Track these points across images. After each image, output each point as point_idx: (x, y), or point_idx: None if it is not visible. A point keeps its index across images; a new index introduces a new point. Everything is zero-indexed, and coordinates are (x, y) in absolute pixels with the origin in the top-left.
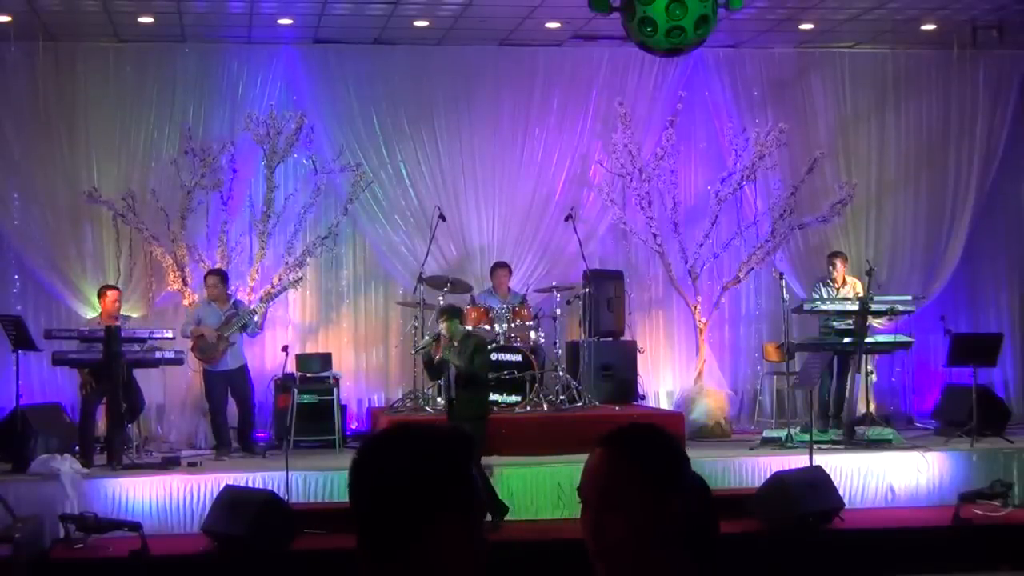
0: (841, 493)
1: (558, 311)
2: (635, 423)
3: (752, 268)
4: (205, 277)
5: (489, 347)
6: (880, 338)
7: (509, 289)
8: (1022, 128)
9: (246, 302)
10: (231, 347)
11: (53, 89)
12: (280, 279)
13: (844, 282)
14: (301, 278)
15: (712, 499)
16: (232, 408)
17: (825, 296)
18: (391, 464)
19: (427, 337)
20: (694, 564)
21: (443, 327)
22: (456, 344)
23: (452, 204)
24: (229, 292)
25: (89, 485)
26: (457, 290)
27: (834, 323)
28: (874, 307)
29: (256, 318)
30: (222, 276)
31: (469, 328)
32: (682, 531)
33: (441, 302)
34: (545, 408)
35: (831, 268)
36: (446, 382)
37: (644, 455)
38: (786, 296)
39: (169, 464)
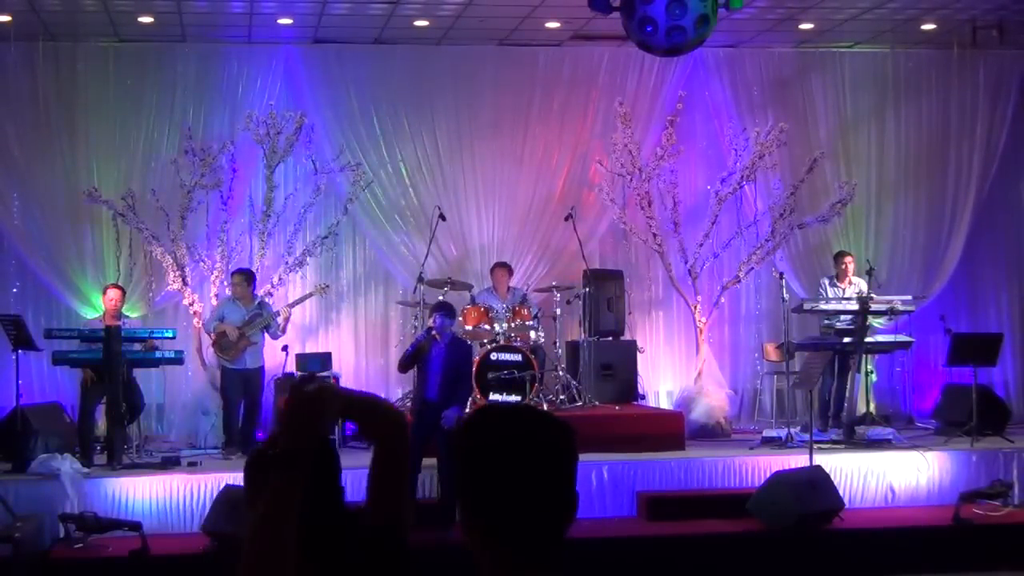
0: (841, 493)
1: (558, 311)
2: (509, 410)
3: (752, 268)
4: (232, 275)
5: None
6: (880, 338)
7: (509, 288)
8: (1022, 128)
9: (271, 304)
10: (252, 346)
11: (53, 89)
12: (280, 278)
13: (850, 282)
14: (328, 286)
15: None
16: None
17: (831, 295)
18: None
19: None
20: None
21: (436, 321)
22: (441, 343)
23: (452, 204)
24: (255, 292)
25: (89, 485)
26: (457, 290)
27: (835, 323)
28: (874, 307)
29: (280, 320)
30: (247, 276)
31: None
32: (476, 554)
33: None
34: (545, 408)
35: (843, 267)
36: (420, 385)
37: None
38: (786, 296)
39: (169, 464)
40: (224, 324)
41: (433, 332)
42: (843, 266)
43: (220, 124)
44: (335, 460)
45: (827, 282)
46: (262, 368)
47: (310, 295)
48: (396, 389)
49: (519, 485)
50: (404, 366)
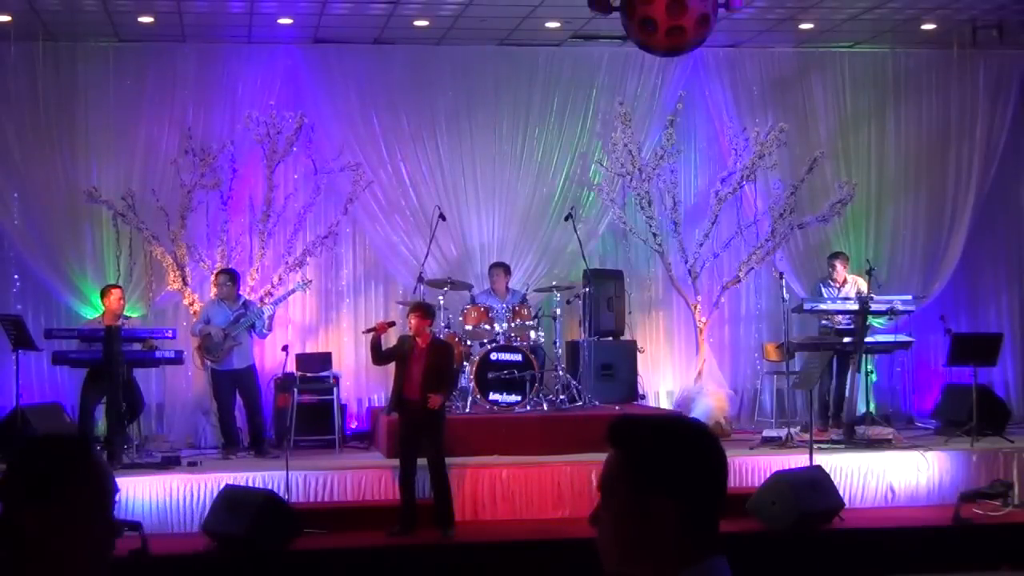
0: (841, 493)
1: (558, 311)
2: (657, 415)
3: (752, 268)
4: (215, 276)
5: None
6: (880, 338)
7: (508, 288)
8: (1022, 128)
9: (256, 302)
10: (238, 347)
11: (53, 89)
12: (280, 278)
13: (845, 281)
14: (310, 281)
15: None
16: (240, 407)
17: (825, 295)
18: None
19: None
20: None
21: (413, 323)
22: (422, 345)
23: (452, 204)
24: (239, 292)
25: None
26: (457, 290)
27: (831, 324)
28: (874, 307)
29: (265, 318)
30: (231, 276)
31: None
32: (670, 541)
33: (441, 301)
34: (545, 408)
35: (831, 269)
36: (401, 385)
37: (632, 447)
38: (786, 296)
39: (169, 464)
40: (208, 326)
41: (416, 339)
42: (833, 268)
43: (220, 124)
44: None
45: (821, 286)
46: (252, 367)
47: (293, 291)
48: None
49: (724, 480)
50: (380, 360)
